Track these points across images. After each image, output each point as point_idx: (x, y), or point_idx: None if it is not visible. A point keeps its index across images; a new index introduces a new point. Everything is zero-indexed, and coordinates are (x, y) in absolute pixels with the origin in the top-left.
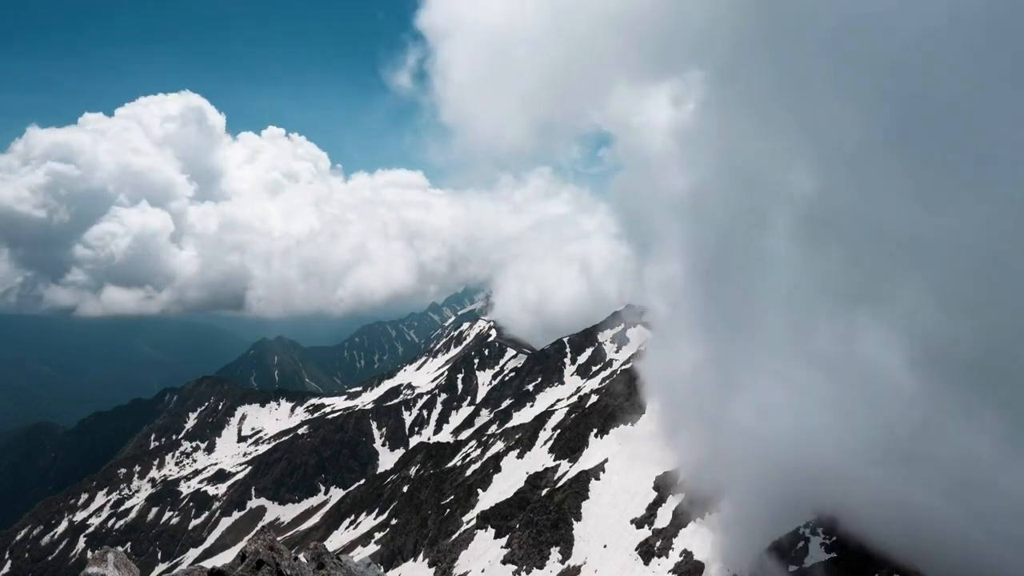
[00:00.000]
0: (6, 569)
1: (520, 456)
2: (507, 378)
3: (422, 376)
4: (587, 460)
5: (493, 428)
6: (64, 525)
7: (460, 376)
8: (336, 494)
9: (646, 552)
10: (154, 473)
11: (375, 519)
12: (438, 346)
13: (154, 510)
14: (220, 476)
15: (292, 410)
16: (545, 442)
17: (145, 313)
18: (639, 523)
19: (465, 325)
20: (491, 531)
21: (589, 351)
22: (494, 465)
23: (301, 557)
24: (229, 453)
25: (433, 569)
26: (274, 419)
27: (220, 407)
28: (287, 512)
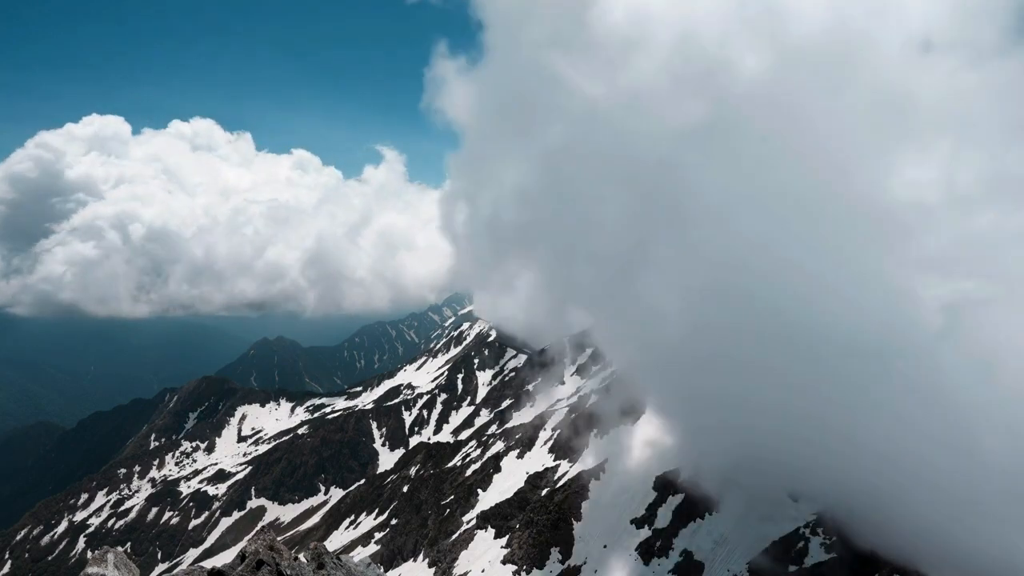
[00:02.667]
0: (6, 569)
1: (520, 456)
2: (507, 378)
3: (422, 376)
4: (587, 460)
5: (493, 428)
6: (64, 525)
7: (460, 376)
8: (336, 494)
9: (646, 552)
10: (154, 473)
11: (375, 519)
12: (438, 346)
13: (154, 510)
14: (220, 476)
15: (292, 410)
16: (545, 442)
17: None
18: (639, 523)
19: (465, 325)
20: (491, 531)
21: (589, 351)
22: (494, 465)
23: (301, 557)
24: (229, 453)
25: (433, 569)
26: (274, 419)
27: (220, 407)
28: (287, 512)
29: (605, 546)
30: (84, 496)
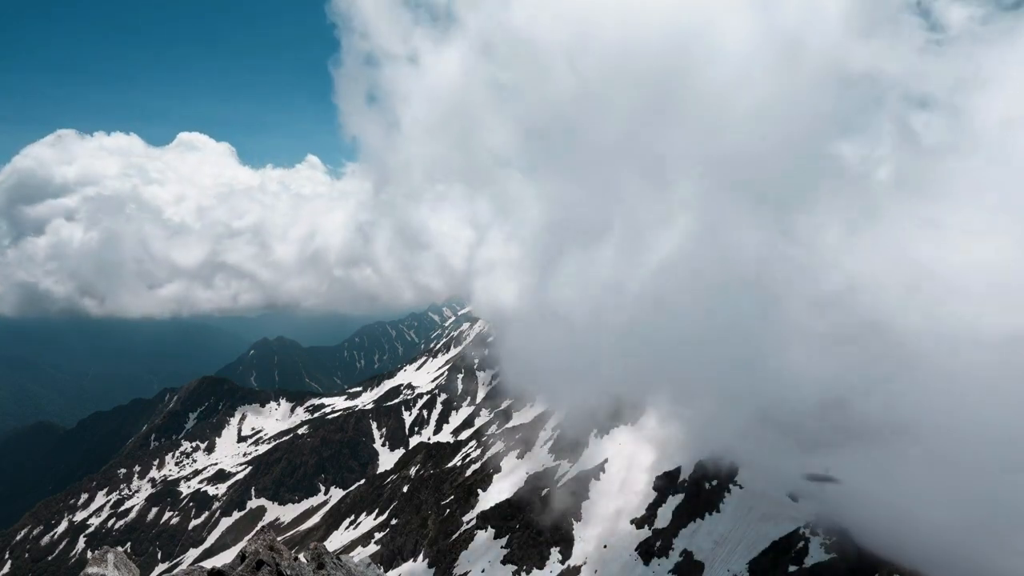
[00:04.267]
0: (6, 569)
1: (520, 456)
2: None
3: (422, 376)
4: (587, 460)
5: (493, 428)
6: (64, 525)
7: (460, 376)
8: (336, 494)
9: (646, 552)
10: (154, 473)
11: (375, 519)
12: (438, 346)
13: (154, 510)
14: (220, 476)
15: (292, 410)
16: (545, 442)
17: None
18: (639, 523)
19: (465, 325)
20: (491, 531)
21: None
22: (494, 465)
23: (301, 557)
24: (229, 453)
25: (433, 569)
26: (274, 419)
27: (220, 407)
28: (287, 512)
29: (605, 546)
30: (84, 496)
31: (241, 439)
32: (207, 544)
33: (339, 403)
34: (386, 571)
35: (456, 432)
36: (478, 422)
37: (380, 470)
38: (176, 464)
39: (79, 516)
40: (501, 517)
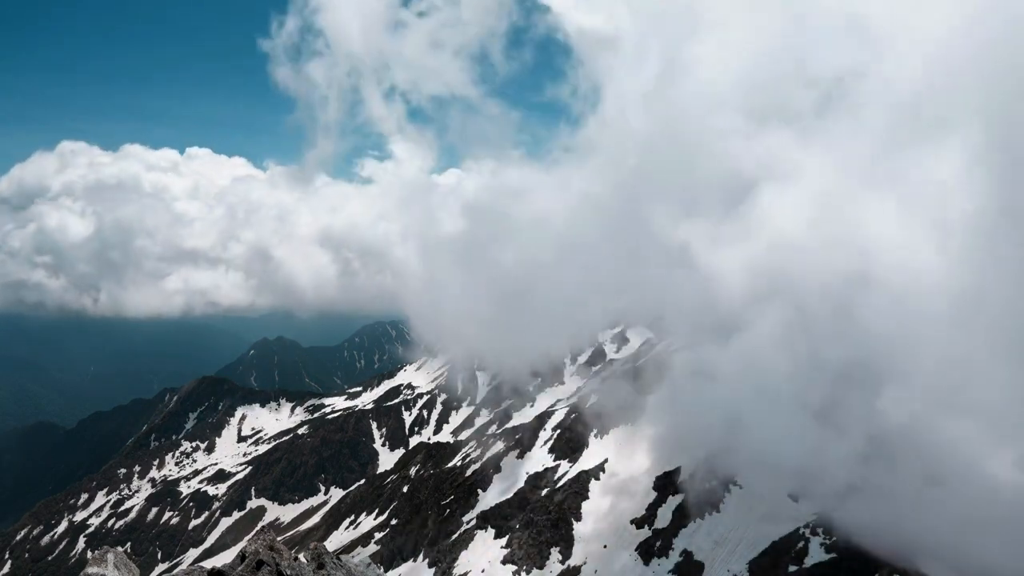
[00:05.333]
0: (6, 569)
1: (520, 456)
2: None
3: (422, 376)
4: (587, 460)
5: (493, 428)
6: (64, 525)
7: (460, 376)
8: (336, 494)
9: (646, 552)
10: (154, 473)
11: (375, 519)
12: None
13: (154, 510)
14: (220, 476)
15: (292, 410)
16: (545, 442)
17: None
18: (639, 523)
19: None
20: (491, 531)
21: (589, 351)
22: (494, 465)
23: (301, 557)
24: (229, 453)
25: (433, 569)
26: (274, 419)
27: (220, 407)
28: (287, 512)
29: (605, 546)
30: (84, 496)
31: (241, 439)
32: (207, 544)
33: (339, 403)
34: (386, 571)
35: (456, 432)
36: (478, 422)
37: (380, 470)
38: (176, 464)
39: (79, 516)
40: (501, 517)
